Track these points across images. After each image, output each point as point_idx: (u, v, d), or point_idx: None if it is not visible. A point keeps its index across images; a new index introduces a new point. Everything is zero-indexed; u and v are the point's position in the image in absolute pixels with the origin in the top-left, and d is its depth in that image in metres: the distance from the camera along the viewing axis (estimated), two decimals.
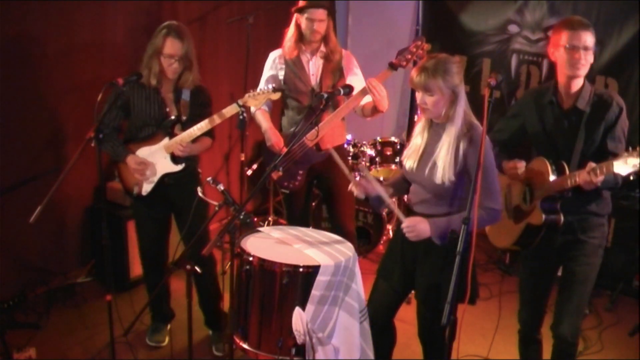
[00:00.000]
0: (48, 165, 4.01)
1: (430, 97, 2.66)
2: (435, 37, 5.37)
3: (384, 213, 4.89)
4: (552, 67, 4.93)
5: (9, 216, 3.90)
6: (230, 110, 3.33)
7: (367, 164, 4.97)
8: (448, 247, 2.64)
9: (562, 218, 2.84)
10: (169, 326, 3.90)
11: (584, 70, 2.80)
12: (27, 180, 3.85)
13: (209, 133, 3.49)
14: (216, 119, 3.34)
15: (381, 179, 4.90)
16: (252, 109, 3.76)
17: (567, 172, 2.79)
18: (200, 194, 2.91)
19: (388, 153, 4.99)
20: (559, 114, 2.89)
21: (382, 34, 5.67)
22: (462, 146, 2.67)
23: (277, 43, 3.94)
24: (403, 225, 2.74)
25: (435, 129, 2.78)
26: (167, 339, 3.83)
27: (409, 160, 2.83)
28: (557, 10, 4.84)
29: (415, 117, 2.92)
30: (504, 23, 5.10)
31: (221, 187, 2.85)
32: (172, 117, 3.41)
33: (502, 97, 5.18)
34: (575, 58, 2.77)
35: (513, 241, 3.04)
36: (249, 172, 4.93)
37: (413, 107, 4.41)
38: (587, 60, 2.78)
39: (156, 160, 3.44)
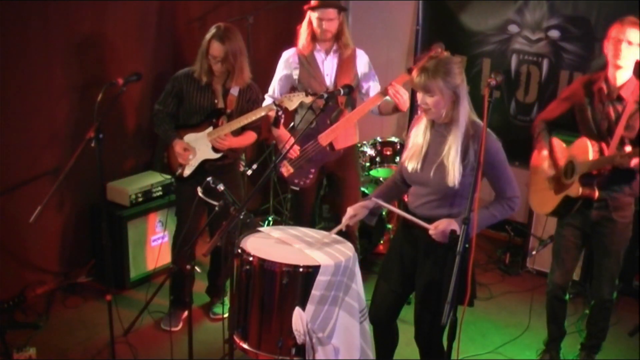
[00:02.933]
0: (48, 165, 4.01)
1: (431, 97, 2.66)
2: (435, 37, 5.37)
3: (384, 213, 4.89)
4: (553, 67, 4.97)
5: (9, 216, 3.90)
6: (266, 109, 3.63)
7: (367, 164, 4.97)
8: (449, 248, 2.64)
9: (596, 193, 3.19)
10: (185, 314, 3.93)
11: (624, 61, 3.11)
12: (27, 180, 3.85)
13: (255, 128, 3.78)
14: (250, 117, 3.61)
15: (381, 179, 4.90)
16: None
17: (606, 153, 3.14)
18: (200, 194, 2.92)
19: (388, 153, 4.99)
20: (606, 101, 3.19)
21: (382, 34, 5.67)
22: (471, 146, 2.67)
23: (277, 43, 3.95)
24: (431, 232, 2.68)
25: (438, 130, 2.77)
26: (180, 326, 3.91)
27: (412, 162, 2.81)
28: (557, 10, 4.84)
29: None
30: (504, 23, 5.09)
31: (221, 187, 2.85)
32: (219, 109, 3.67)
33: (502, 97, 5.18)
34: (616, 48, 3.10)
35: (552, 209, 3.41)
36: (249, 172, 4.93)
37: (413, 107, 4.41)
38: (629, 52, 3.08)
39: (199, 146, 3.70)
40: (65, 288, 4.22)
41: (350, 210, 2.93)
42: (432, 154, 2.76)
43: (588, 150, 3.15)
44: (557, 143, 3.41)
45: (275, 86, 3.92)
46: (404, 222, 2.94)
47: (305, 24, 3.81)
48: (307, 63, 3.82)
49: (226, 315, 3.65)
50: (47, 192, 2.94)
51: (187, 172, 3.74)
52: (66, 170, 3.00)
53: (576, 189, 3.21)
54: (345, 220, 2.92)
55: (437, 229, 2.67)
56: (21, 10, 3.75)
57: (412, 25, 5.56)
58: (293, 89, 3.88)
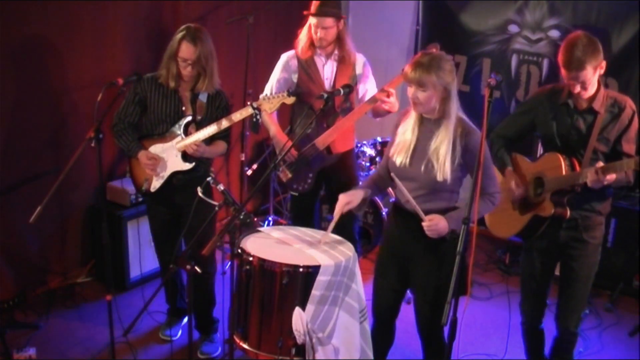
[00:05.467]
0: (48, 165, 4.01)
1: (423, 92, 2.70)
2: (435, 37, 5.37)
3: (383, 213, 4.89)
4: (553, 67, 4.97)
5: (9, 216, 3.90)
6: (244, 112, 3.35)
7: (367, 164, 4.98)
8: (444, 240, 2.76)
9: (568, 212, 2.97)
10: (184, 321, 3.89)
11: (586, 94, 2.91)
12: (27, 180, 3.85)
13: (225, 138, 3.53)
14: (228, 121, 3.36)
15: None
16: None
17: (579, 169, 2.93)
18: (200, 194, 2.91)
19: None
20: (574, 114, 2.97)
21: (382, 34, 5.67)
22: (459, 142, 2.73)
23: (277, 43, 3.94)
24: (424, 224, 2.74)
25: (427, 126, 2.82)
26: (179, 334, 3.86)
27: (399, 156, 2.85)
28: (557, 10, 4.84)
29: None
30: (504, 23, 5.09)
31: (221, 187, 2.85)
32: (188, 116, 3.43)
33: (502, 97, 5.18)
34: (575, 91, 2.89)
35: (517, 231, 3.16)
36: (249, 172, 4.93)
37: None
38: (587, 88, 2.87)
39: (167, 157, 3.45)
40: (65, 288, 4.22)
41: (343, 198, 2.91)
42: (421, 149, 2.80)
43: (560, 165, 2.94)
44: (521, 160, 3.20)
45: (272, 87, 3.90)
46: (396, 217, 2.97)
47: (305, 29, 3.79)
48: (307, 66, 3.80)
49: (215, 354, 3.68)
50: (47, 192, 2.94)
51: (156, 185, 3.47)
52: (66, 170, 2.99)
53: (548, 208, 2.99)
54: (338, 208, 2.91)
55: (431, 221, 2.72)
56: (20, 10, 3.75)
57: (412, 25, 5.56)
58: None
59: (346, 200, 2.91)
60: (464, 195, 2.80)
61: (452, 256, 2.54)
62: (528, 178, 3.13)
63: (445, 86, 2.70)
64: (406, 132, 2.85)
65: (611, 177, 2.77)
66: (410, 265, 2.91)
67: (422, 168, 2.77)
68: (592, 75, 2.84)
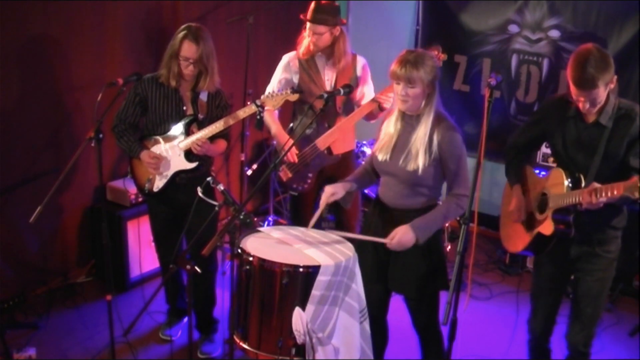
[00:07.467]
0: (48, 165, 4.01)
1: (412, 89, 2.74)
2: (435, 37, 5.37)
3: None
4: (553, 67, 4.97)
5: (9, 216, 3.90)
6: (248, 110, 3.39)
7: None
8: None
9: (573, 231, 2.82)
10: (184, 321, 3.90)
11: (594, 110, 2.74)
12: (27, 180, 3.85)
13: (225, 136, 3.55)
14: (234, 119, 3.39)
15: None
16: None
17: (583, 185, 2.76)
18: (200, 193, 2.90)
19: None
20: (581, 128, 2.82)
21: (382, 34, 5.67)
22: (435, 136, 2.78)
23: (277, 43, 3.94)
24: (388, 245, 2.79)
25: (408, 121, 2.87)
26: (179, 334, 3.86)
27: (382, 152, 2.90)
28: (557, 10, 4.84)
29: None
30: (504, 23, 5.09)
31: (221, 187, 2.85)
32: (190, 116, 3.44)
33: (502, 97, 5.18)
34: (583, 109, 2.74)
35: (524, 247, 3.03)
36: (249, 172, 4.93)
37: None
38: (596, 104, 2.71)
39: (170, 156, 3.45)
40: (65, 288, 4.22)
41: (328, 189, 2.96)
42: (402, 143, 2.86)
43: (562, 182, 2.79)
44: (531, 173, 3.09)
45: (274, 88, 3.90)
46: (378, 211, 3.01)
47: (308, 30, 3.80)
48: (308, 67, 3.81)
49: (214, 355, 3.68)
50: (47, 192, 2.94)
51: (159, 184, 3.47)
52: (66, 170, 3.00)
53: (549, 227, 2.83)
54: (323, 198, 2.94)
55: (393, 240, 2.77)
56: (21, 9, 3.75)
57: (412, 25, 5.56)
58: None
59: (332, 191, 2.94)
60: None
61: (433, 249, 2.75)
62: (534, 193, 3.01)
63: (431, 81, 2.75)
64: (388, 129, 2.91)
65: (603, 200, 2.56)
66: (391, 260, 2.94)
67: (401, 162, 2.83)
68: (604, 92, 2.68)
